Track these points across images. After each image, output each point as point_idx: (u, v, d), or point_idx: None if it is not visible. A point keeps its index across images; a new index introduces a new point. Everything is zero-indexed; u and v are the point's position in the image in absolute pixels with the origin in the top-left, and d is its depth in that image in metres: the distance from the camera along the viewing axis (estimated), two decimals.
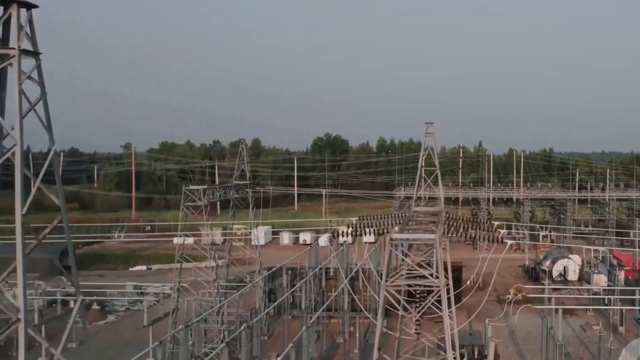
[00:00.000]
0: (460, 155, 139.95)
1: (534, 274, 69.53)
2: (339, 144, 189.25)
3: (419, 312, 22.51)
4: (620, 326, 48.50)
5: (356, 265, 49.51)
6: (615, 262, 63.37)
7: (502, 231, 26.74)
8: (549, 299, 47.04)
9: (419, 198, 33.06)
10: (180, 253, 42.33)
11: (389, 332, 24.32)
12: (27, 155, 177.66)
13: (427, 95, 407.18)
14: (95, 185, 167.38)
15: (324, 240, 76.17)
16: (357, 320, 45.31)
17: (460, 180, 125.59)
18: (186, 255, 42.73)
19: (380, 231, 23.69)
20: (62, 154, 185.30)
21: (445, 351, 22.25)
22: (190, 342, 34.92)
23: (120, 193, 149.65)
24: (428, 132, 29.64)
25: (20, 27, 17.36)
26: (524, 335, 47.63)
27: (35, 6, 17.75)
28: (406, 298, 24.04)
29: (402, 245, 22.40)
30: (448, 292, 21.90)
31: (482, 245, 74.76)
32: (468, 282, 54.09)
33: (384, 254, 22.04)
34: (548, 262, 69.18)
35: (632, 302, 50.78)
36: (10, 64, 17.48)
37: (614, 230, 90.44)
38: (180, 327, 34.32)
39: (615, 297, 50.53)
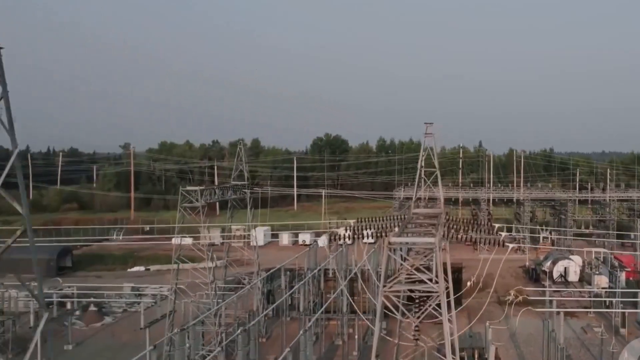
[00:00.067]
0: (460, 155, 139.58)
1: (534, 275, 69.15)
2: (338, 144, 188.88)
3: (418, 317, 22.08)
4: (622, 328, 48.07)
5: (355, 266, 49.06)
6: (616, 264, 62.99)
7: (503, 234, 26.33)
8: (550, 301, 46.60)
9: (418, 199, 32.64)
10: (178, 254, 41.91)
11: (387, 337, 23.93)
12: (25, 156, 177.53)
13: (427, 95, 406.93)
14: (95, 185, 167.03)
15: (323, 241, 75.72)
16: (356, 322, 44.90)
17: (460, 181, 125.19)
18: (183, 257, 42.31)
19: (379, 234, 23.24)
20: (61, 154, 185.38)
21: (445, 355, 21.84)
22: (187, 345, 34.46)
23: (119, 193, 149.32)
24: (427, 132, 29.23)
25: None
26: (524, 337, 47.21)
27: None
28: (405, 302, 23.54)
29: (400, 249, 21.95)
30: (448, 295, 21.48)
31: (482, 247, 74.29)
32: (468, 284, 53.65)
33: (383, 256, 21.63)
34: (548, 263, 68.81)
35: (634, 304, 50.35)
36: None
37: (615, 232, 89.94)
38: (176, 330, 33.87)
39: (617, 299, 50.08)
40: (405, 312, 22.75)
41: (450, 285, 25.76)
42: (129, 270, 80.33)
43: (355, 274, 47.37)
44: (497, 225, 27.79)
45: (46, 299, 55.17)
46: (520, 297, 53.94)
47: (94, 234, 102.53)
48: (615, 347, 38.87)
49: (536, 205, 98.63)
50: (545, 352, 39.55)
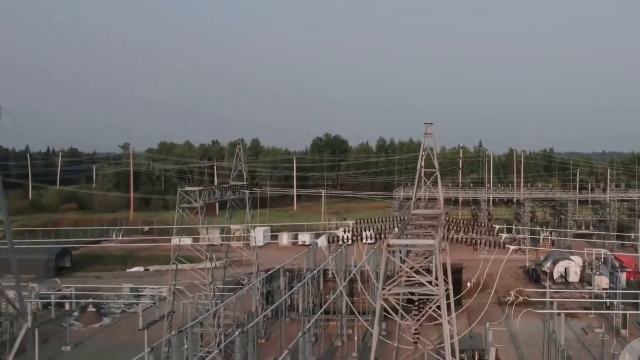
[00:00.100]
0: (460, 155, 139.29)
1: (534, 275, 68.92)
2: (338, 144, 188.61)
3: (417, 320, 21.83)
4: (622, 329, 47.83)
5: (355, 267, 48.80)
6: (616, 264, 62.76)
7: (503, 235, 26.09)
8: (551, 302, 46.32)
9: (418, 199, 32.41)
10: (176, 255, 41.68)
11: (386, 340, 23.70)
12: (25, 156, 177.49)
13: (427, 95, 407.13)
14: (94, 185, 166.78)
15: (322, 241, 75.45)
16: (355, 323, 44.65)
17: (460, 181, 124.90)
18: (181, 258, 42.09)
19: (378, 235, 22.99)
20: (60, 154, 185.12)
21: (445, 358, 21.60)
22: (185, 347, 34.22)
23: (118, 193, 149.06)
24: (427, 132, 28.98)
25: None
26: (525, 338, 46.97)
27: None
28: (404, 304, 23.30)
29: (400, 251, 21.70)
30: (448, 297, 21.24)
31: (483, 247, 74.02)
32: (468, 284, 53.42)
33: (382, 258, 21.38)
34: (549, 264, 68.59)
35: (635, 305, 50.07)
36: None
37: (615, 232, 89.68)
38: (173, 332, 33.63)
39: (618, 301, 49.81)
40: (405, 315, 22.53)
41: (450, 286, 25.52)
42: (128, 270, 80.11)
43: (355, 274, 47.14)
44: (497, 227, 27.54)
45: (44, 300, 55.21)
46: (521, 298, 53.67)
47: (93, 234, 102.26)
48: (616, 349, 38.61)
49: (536, 205, 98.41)
50: (545, 353, 39.30)
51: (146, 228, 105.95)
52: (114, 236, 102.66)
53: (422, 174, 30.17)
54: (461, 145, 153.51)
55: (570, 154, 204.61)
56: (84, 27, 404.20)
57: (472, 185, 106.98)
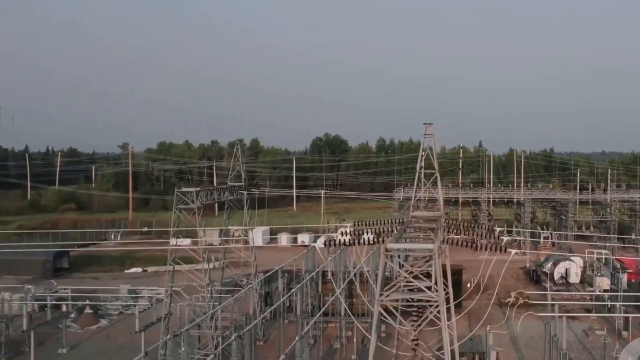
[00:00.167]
0: (460, 155, 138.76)
1: (535, 276, 68.50)
2: (338, 144, 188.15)
3: (416, 328, 21.36)
4: (624, 331, 47.39)
5: (354, 268, 48.32)
6: (618, 265, 62.35)
7: (504, 238, 25.65)
8: (552, 305, 45.86)
9: (418, 200, 31.97)
10: (173, 257, 41.25)
11: (385, 347, 23.28)
12: (24, 156, 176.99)
13: (427, 95, 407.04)
14: (93, 185, 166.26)
15: (321, 242, 75.04)
16: (354, 325, 44.18)
17: (460, 181, 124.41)
18: (178, 259, 41.66)
19: (376, 239, 22.52)
20: (60, 154, 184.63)
21: None
22: (182, 349, 33.78)
23: (117, 193, 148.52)
24: (427, 133, 28.56)
25: None
26: (525, 340, 46.53)
27: None
28: (403, 308, 22.86)
29: (398, 256, 21.26)
30: (448, 301, 20.80)
31: (484, 251, 73.60)
32: (468, 285, 52.98)
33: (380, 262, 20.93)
34: (549, 264, 68.20)
35: (637, 308, 49.57)
36: None
37: (616, 232, 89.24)
38: (169, 336, 33.20)
39: (620, 303, 49.37)
40: (403, 321, 22.08)
41: (450, 290, 25.08)
42: (126, 271, 79.65)
43: (354, 275, 46.65)
44: (498, 229, 27.11)
45: (40, 302, 54.76)
46: (522, 300, 53.26)
47: (92, 235, 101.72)
48: (618, 352, 38.17)
49: (537, 206, 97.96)
50: (547, 356, 38.86)
51: (145, 228, 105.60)
52: (112, 237, 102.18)
53: (422, 175, 29.74)
54: (461, 145, 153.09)
55: (571, 154, 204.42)
56: (84, 27, 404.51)
57: (472, 185, 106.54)
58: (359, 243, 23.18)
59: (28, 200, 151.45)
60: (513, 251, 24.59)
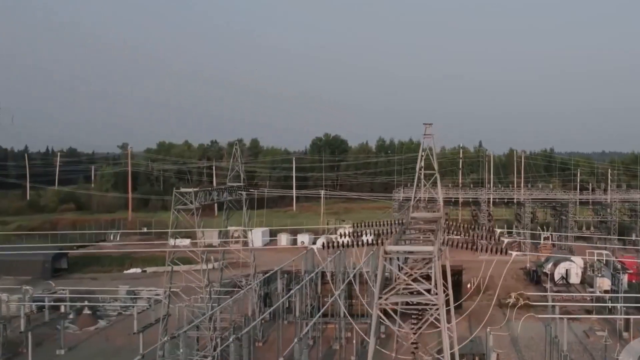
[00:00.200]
0: (460, 155, 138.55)
1: (535, 277, 68.27)
2: (338, 144, 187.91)
3: (415, 332, 21.13)
4: (625, 332, 47.18)
5: (354, 269, 48.11)
6: (618, 266, 62.15)
7: (505, 240, 25.42)
8: (553, 306, 45.65)
9: (417, 200, 31.76)
10: (171, 258, 41.03)
11: (384, 351, 23.08)
12: (23, 156, 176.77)
13: (427, 95, 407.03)
14: (92, 185, 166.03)
15: (321, 242, 74.83)
16: (354, 326, 43.96)
17: (460, 181, 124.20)
18: (177, 260, 41.44)
19: (376, 241, 22.31)
20: (59, 154, 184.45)
21: None
22: (181, 351, 33.58)
23: (117, 194, 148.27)
24: (427, 133, 28.33)
25: None
26: (526, 341, 46.30)
27: None
28: (403, 309, 22.64)
29: (397, 258, 21.03)
30: (448, 303, 20.57)
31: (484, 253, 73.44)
32: (468, 285, 52.77)
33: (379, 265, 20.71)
34: (550, 265, 67.99)
35: (637, 307, 49.37)
36: None
37: (616, 233, 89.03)
38: (166, 338, 32.99)
39: (621, 304, 49.14)
40: (402, 324, 21.86)
41: (450, 291, 24.85)
42: (125, 272, 79.40)
43: (354, 276, 46.47)
44: (498, 231, 26.91)
45: (38, 303, 54.52)
46: (522, 301, 53.03)
47: (91, 236, 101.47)
48: (619, 353, 37.97)
49: (537, 206, 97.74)
50: (547, 357, 38.64)
51: (144, 229, 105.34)
52: (112, 238, 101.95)
53: (422, 175, 29.52)
54: (461, 145, 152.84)
55: (571, 154, 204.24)
56: (84, 27, 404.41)
57: (472, 185, 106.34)
58: (357, 245, 22.94)
59: (27, 200, 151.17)
60: (514, 253, 24.37)
